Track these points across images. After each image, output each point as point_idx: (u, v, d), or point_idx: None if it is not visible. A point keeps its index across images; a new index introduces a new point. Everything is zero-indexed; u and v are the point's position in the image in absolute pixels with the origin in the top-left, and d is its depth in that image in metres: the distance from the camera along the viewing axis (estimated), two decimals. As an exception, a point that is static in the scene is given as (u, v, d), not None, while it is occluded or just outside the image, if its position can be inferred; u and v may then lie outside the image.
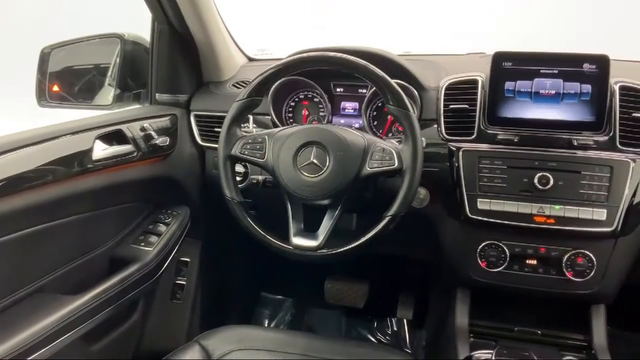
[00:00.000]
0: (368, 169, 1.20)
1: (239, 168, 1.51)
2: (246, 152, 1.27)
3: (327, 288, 2.05)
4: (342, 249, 1.21)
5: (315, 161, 1.21)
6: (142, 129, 1.45)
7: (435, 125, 1.39)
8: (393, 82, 1.22)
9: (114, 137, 1.37)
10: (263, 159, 1.26)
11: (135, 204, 1.55)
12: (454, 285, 1.46)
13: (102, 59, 1.65)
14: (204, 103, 1.65)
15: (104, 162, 1.32)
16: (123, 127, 1.40)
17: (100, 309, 1.31)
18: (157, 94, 1.63)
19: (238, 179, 1.50)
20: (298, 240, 1.23)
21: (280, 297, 2.25)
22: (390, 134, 1.52)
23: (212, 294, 1.89)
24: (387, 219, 1.19)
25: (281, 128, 1.30)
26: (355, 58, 1.21)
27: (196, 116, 1.64)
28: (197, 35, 1.58)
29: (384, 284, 2.11)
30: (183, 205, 1.67)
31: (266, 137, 1.27)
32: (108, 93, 1.63)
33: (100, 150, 1.32)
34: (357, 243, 1.21)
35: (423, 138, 1.29)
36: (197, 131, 1.64)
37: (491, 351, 1.18)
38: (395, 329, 2.11)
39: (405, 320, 2.09)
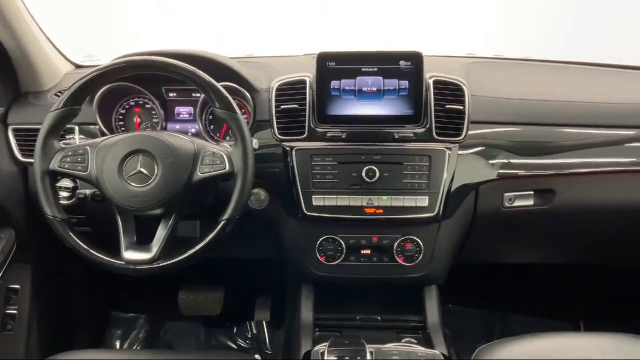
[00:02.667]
0: (199, 174, 1.18)
1: (66, 183, 1.41)
2: (66, 166, 1.19)
3: (181, 299, 2.00)
4: (177, 259, 1.18)
5: (142, 170, 1.17)
6: None
7: (269, 127, 1.40)
8: (219, 84, 1.21)
9: None
10: (85, 171, 1.19)
11: None
12: (298, 281, 1.49)
13: None
14: (23, 115, 1.51)
15: None
16: None
17: None
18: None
19: (66, 194, 1.41)
20: (130, 255, 1.18)
21: (132, 314, 2.14)
22: (228, 137, 1.51)
23: (52, 320, 1.75)
24: (222, 223, 1.18)
25: (104, 137, 1.23)
26: (178, 62, 1.19)
27: (14, 130, 1.50)
28: (8, 44, 1.45)
29: (239, 288, 2.09)
30: (5, 228, 1.52)
31: (88, 147, 1.20)
32: None
33: None
34: (193, 251, 1.19)
35: (256, 140, 1.30)
36: (16, 146, 1.50)
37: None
38: (254, 332, 2.10)
39: (264, 322, 2.10)
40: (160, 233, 1.19)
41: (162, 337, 2.11)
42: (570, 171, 1.41)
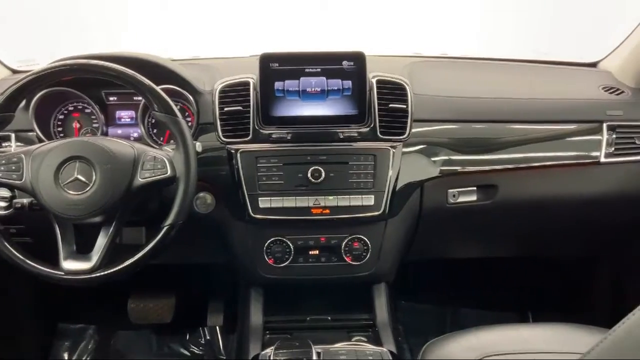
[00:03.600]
0: (140, 179, 1.16)
1: (3, 192, 1.35)
2: (0, 175, 1.14)
3: (130, 308, 1.95)
4: (119, 267, 1.16)
5: (80, 177, 1.13)
6: None
7: (213, 129, 1.38)
8: (158, 87, 1.19)
9: None
10: (21, 180, 1.14)
11: None
12: (247, 284, 1.48)
13: None
14: None
15: None
16: None
17: None
18: None
19: (3, 204, 1.35)
20: (69, 265, 1.15)
21: (80, 325, 2.08)
22: (172, 141, 1.48)
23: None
24: (165, 229, 1.16)
25: (40, 145, 1.19)
26: (114, 65, 1.16)
27: None
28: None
29: (191, 294, 2.06)
30: None
31: (23, 155, 1.16)
32: None
33: None
34: (135, 258, 1.16)
35: (199, 143, 1.28)
36: None
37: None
38: (208, 337, 2.08)
39: (217, 328, 2.07)
40: (101, 241, 1.16)
41: (113, 347, 2.06)
42: (512, 166, 1.45)
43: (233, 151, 1.35)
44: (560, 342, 1.19)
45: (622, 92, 1.57)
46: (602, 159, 1.48)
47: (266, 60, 1.34)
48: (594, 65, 1.77)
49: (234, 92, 1.37)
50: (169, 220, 1.16)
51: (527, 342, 1.19)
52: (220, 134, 1.35)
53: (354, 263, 1.38)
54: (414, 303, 2.08)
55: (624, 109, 1.51)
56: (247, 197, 1.33)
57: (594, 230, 1.69)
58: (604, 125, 1.48)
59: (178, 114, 1.19)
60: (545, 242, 1.74)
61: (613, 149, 1.48)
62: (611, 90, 1.57)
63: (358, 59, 1.34)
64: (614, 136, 1.48)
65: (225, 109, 1.36)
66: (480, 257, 1.81)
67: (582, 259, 1.92)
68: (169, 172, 1.16)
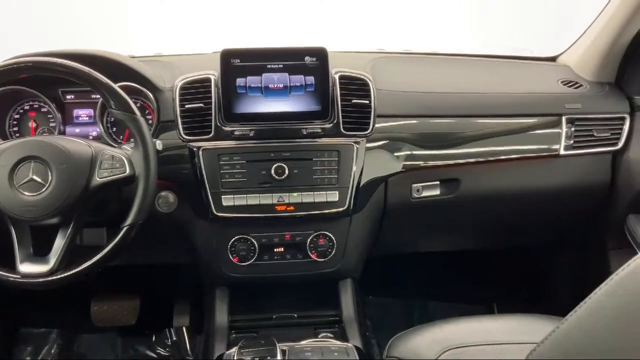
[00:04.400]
0: (98, 179, 1.13)
1: None
2: None
3: (93, 310, 1.91)
4: (78, 269, 1.13)
5: (35, 177, 1.10)
6: None
7: (175, 127, 1.36)
8: (116, 85, 1.16)
9: None
10: None
11: None
12: (212, 284, 1.46)
13: None
14: None
15: None
16: None
17: None
18: None
19: None
20: (26, 267, 1.11)
21: (43, 329, 2.02)
22: (132, 140, 1.45)
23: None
24: (124, 229, 1.14)
25: None
26: (69, 62, 1.13)
27: None
28: None
29: (156, 295, 2.03)
30: None
31: None
32: None
33: None
34: (94, 259, 1.14)
35: (159, 141, 1.26)
36: None
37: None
38: (174, 339, 2.04)
39: (184, 328, 2.04)
40: (59, 243, 1.13)
41: (76, 351, 2.01)
42: (474, 160, 1.47)
43: (195, 149, 1.32)
44: (521, 332, 1.21)
45: (581, 85, 1.61)
46: (562, 152, 1.51)
47: (227, 57, 1.32)
48: (553, 59, 1.80)
49: (195, 89, 1.34)
50: (129, 221, 1.14)
51: (490, 334, 1.20)
52: (181, 131, 1.33)
53: (319, 259, 1.38)
54: (381, 298, 2.09)
55: (582, 102, 1.54)
56: (210, 196, 1.31)
57: (555, 221, 1.72)
58: (563, 118, 1.51)
59: (136, 111, 1.16)
60: (508, 234, 1.77)
61: (572, 141, 1.52)
62: (570, 84, 1.61)
63: (320, 54, 1.33)
64: (573, 129, 1.51)
65: (186, 106, 1.33)
66: (446, 251, 1.83)
67: (545, 249, 1.95)
68: (127, 171, 1.14)
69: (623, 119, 1.56)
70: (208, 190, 1.31)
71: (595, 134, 1.53)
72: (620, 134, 1.56)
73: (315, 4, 2.47)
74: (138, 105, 1.39)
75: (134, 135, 1.16)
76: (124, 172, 1.14)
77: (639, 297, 0.44)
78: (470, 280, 2.11)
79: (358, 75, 1.38)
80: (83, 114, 1.46)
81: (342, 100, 1.35)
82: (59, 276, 1.11)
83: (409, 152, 1.42)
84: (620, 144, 1.55)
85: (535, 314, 1.29)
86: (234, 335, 1.38)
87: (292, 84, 1.33)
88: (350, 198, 1.34)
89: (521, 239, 1.83)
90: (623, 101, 1.58)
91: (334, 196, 1.34)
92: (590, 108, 1.54)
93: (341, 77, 1.37)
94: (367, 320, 1.92)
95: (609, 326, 0.47)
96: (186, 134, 1.33)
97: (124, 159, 1.15)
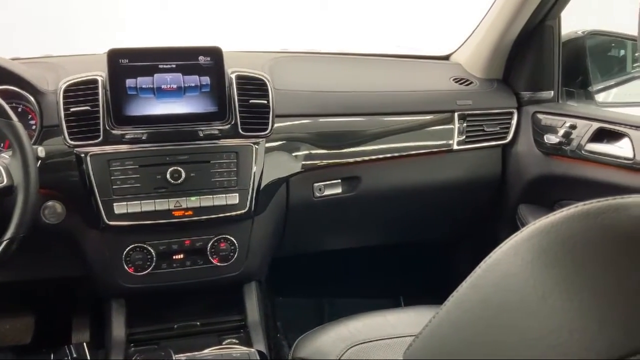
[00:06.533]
0: None
1: None
2: None
3: (-20, 332, 1.76)
4: None
5: None
6: None
7: (60, 132, 1.27)
8: None
9: None
10: None
11: None
12: (108, 296, 1.39)
13: None
14: None
15: None
16: None
17: None
18: None
19: None
20: None
21: None
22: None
23: None
24: (4, 243, 1.05)
25: None
26: None
27: None
28: None
29: (53, 311, 1.90)
30: None
31: None
32: None
33: None
34: None
35: (41, 147, 1.17)
36: None
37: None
38: (75, 355, 1.92)
39: (84, 344, 1.93)
40: None
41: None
42: (373, 157, 1.49)
43: (82, 155, 1.24)
44: (422, 324, 1.24)
45: (471, 82, 1.68)
46: (455, 147, 1.57)
47: (115, 56, 1.25)
48: (446, 58, 1.87)
49: (81, 91, 1.26)
50: (9, 234, 1.05)
51: (393, 327, 1.22)
52: (66, 136, 1.24)
53: (221, 264, 1.34)
54: (292, 298, 2.08)
55: (473, 98, 1.61)
56: (100, 204, 1.24)
57: (454, 214, 1.79)
58: (455, 114, 1.57)
59: (12, 116, 1.08)
60: (410, 228, 1.82)
61: (464, 136, 1.58)
62: (461, 81, 1.67)
63: (215, 54, 1.30)
64: (465, 124, 1.58)
65: (72, 109, 1.25)
66: (354, 247, 1.85)
67: (448, 241, 2.02)
68: (5, 182, 1.06)
69: (511, 113, 1.64)
70: (98, 198, 1.24)
71: (485, 128, 1.60)
72: (508, 128, 1.64)
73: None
74: (19, 109, 1.29)
75: (11, 143, 1.08)
76: (1, 182, 1.05)
77: (499, 288, 0.45)
78: (379, 275, 2.15)
79: (255, 75, 1.36)
80: (-45, 120, 1.34)
81: (240, 100, 1.33)
82: None
83: (307, 152, 1.42)
84: (509, 138, 1.63)
85: (438, 305, 1.32)
86: (132, 349, 1.31)
87: (186, 85, 1.29)
88: (251, 200, 1.32)
89: (423, 233, 1.88)
90: (511, 97, 1.66)
91: (234, 199, 1.31)
92: (480, 104, 1.61)
93: (238, 77, 1.34)
94: (277, 321, 1.91)
95: (473, 318, 0.47)
96: (72, 139, 1.25)
97: (1, 168, 1.06)
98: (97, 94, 1.26)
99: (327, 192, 1.48)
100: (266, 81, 1.35)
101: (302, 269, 1.98)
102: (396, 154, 1.52)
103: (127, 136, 1.27)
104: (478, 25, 1.71)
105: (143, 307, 1.40)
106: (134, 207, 1.25)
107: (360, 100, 1.52)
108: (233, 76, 1.34)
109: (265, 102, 1.33)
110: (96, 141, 1.25)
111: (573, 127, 1.45)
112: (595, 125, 1.41)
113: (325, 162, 1.44)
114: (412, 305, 1.44)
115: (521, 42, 1.62)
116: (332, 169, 1.46)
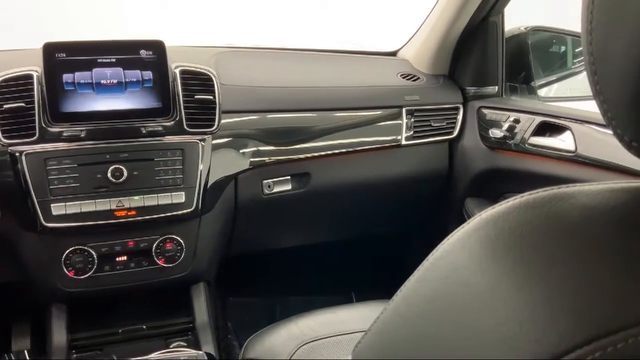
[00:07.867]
0: None
1: None
2: None
3: None
4: None
5: None
6: None
7: None
8: None
9: None
10: None
11: None
12: (46, 302, 1.33)
13: None
14: None
15: None
16: None
17: None
18: None
19: None
20: None
21: None
22: None
23: None
24: None
25: None
26: None
27: None
28: None
29: None
30: None
31: None
32: None
33: None
34: None
35: None
36: None
37: None
38: (14, 364, 1.84)
39: (25, 351, 1.84)
40: None
41: None
42: (322, 153, 1.48)
43: (17, 154, 1.18)
44: (372, 319, 1.24)
45: (418, 78, 1.69)
46: (403, 142, 1.57)
47: (50, 50, 1.19)
48: (394, 54, 1.88)
49: (14, 87, 1.20)
50: None
51: (343, 324, 1.22)
52: (0, 135, 1.18)
53: (167, 265, 1.30)
54: (244, 298, 2.05)
55: (420, 93, 1.62)
56: (37, 205, 1.18)
57: (404, 209, 1.80)
58: (403, 110, 1.58)
59: None
60: (361, 224, 1.82)
61: (412, 132, 1.59)
62: (408, 77, 1.68)
63: (157, 47, 1.26)
64: (412, 120, 1.59)
65: (4, 106, 1.18)
66: (305, 245, 1.84)
67: (396, 236, 2.04)
68: None
69: (457, 108, 1.66)
70: (34, 199, 1.18)
71: (432, 123, 1.62)
72: (455, 123, 1.66)
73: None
74: None
75: None
76: None
77: (447, 281, 0.45)
78: (331, 272, 2.15)
79: (201, 70, 1.32)
80: None
81: (185, 96, 1.29)
82: None
83: (255, 149, 1.39)
84: (455, 133, 1.66)
85: (388, 300, 1.33)
86: (75, 356, 1.26)
87: (127, 80, 1.25)
88: (198, 198, 1.29)
89: (375, 229, 1.89)
90: (456, 92, 1.68)
91: (180, 197, 1.27)
92: (427, 99, 1.62)
93: (182, 72, 1.30)
94: (228, 322, 1.87)
95: (421, 312, 0.47)
96: (6, 137, 1.18)
97: None
98: (32, 89, 1.20)
99: (277, 189, 1.46)
100: (212, 76, 1.32)
101: (253, 268, 1.95)
102: (345, 150, 1.51)
103: (64, 134, 1.21)
104: (424, 22, 1.72)
105: (86, 312, 1.34)
106: (73, 207, 1.20)
107: (308, 96, 1.51)
108: (177, 71, 1.30)
109: (211, 97, 1.30)
110: (32, 139, 1.19)
111: (517, 121, 1.48)
112: (538, 119, 1.44)
113: (274, 158, 1.42)
114: (364, 300, 1.44)
115: (466, 38, 1.64)
116: (281, 166, 1.44)
